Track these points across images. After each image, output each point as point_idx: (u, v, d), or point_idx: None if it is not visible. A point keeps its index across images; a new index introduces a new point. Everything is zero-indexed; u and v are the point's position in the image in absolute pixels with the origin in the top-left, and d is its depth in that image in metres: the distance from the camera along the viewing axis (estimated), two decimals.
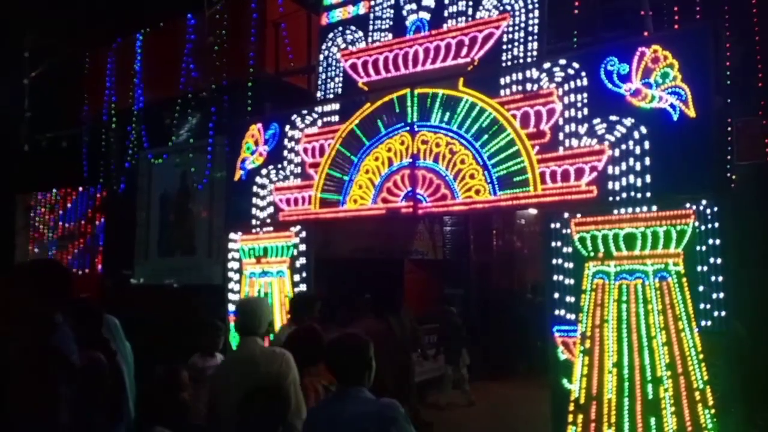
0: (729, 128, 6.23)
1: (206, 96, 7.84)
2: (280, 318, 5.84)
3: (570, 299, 4.48)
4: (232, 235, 6.35)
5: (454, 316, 8.10)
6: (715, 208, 4.00)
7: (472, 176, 5.02)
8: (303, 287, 5.82)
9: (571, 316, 4.46)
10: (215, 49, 7.80)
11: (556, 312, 4.54)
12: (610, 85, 4.51)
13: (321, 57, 6.17)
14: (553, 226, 4.61)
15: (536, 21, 4.99)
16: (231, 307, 6.26)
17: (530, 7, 5.02)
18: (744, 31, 6.21)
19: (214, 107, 7.76)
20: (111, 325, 4.13)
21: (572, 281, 4.48)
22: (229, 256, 6.35)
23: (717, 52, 4.98)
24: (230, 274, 6.34)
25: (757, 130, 5.99)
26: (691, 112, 4.16)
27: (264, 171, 6.24)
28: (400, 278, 8.99)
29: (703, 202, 4.03)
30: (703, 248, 4.01)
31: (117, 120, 9.47)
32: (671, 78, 4.27)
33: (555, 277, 4.57)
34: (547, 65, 4.81)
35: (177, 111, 8.33)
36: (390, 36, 5.71)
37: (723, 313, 3.92)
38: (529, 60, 4.94)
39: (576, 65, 4.67)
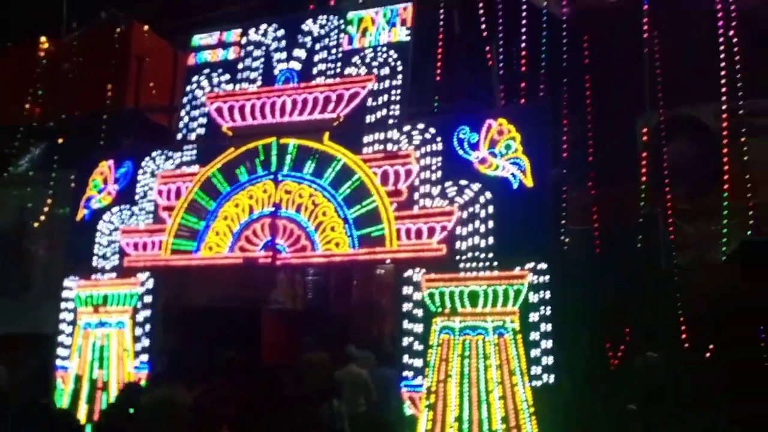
0: (564, 196, 6.89)
1: (53, 126, 7.23)
2: (117, 374, 5.34)
3: (419, 353, 4.60)
4: (67, 282, 5.77)
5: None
6: (546, 269, 4.37)
7: (333, 229, 5.06)
8: (146, 341, 5.40)
9: (419, 371, 4.57)
10: (69, 77, 7.28)
11: (405, 368, 4.62)
12: (461, 152, 4.84)
13: (185, 97, 5.99)
14: (405, 282, 4.75)
15: (399, 84, 5.25)
16: (59, 362, 5.62)
17: (395, 71, 5.28)
18: (578, 108, 7.01)
19: (62, 138, 7.15)
20: None
21: (422, 336, 4.61)
22: (62, 305, 5.74)
23: (555, 127, 5.53)
24: (62, 326, 5.71)
25: (587, 199, 6.72)
26: (529, 182, 4.57)
27: (110, 212, 5.80)
28: (257, 329, 8.65)
29: (537, 264, 4.38)
30: (536, 303, 4.33)
31: None
32: (513, 149, 4.68)
33: (405, 334, 4.67)
34: (407, 128, 5.06)
35: (18, 139, 7.56)
36: (259, 83, 5.70)
37: (551, 364, 4.21)
38: (390, 121, 5.16)
39: (433, 130, 4.97)
